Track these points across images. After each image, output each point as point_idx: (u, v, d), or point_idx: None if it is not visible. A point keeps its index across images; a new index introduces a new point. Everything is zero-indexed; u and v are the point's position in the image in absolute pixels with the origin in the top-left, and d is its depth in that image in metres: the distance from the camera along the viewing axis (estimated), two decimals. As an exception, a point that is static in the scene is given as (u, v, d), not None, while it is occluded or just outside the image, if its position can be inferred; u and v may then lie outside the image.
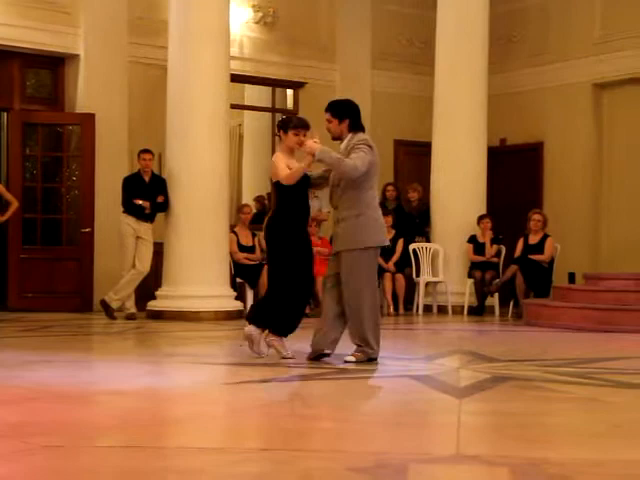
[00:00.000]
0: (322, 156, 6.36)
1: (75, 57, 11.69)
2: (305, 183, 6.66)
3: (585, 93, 13.24)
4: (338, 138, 6.56)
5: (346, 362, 6.37)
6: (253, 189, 14.12)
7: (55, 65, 11.89)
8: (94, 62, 11.64)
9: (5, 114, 12.06)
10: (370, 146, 6.41)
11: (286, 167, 6.63)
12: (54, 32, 11.43)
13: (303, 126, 6.75)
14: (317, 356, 6.53)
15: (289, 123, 6.81)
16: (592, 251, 13.18)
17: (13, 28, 11.14)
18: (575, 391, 5.47)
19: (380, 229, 6.53)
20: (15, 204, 10.56)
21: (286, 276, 6.54)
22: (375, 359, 6.44)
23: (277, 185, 6.65)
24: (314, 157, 6.38)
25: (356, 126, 6.52)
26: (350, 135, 6.49)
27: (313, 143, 6.45)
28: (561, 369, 6.42)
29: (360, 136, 6.47)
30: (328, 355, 6.51)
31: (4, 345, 7.91)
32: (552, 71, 13.48)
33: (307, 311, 11.16)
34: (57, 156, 11.89)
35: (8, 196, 10.58)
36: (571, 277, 12.59)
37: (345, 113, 6.52)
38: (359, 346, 6.45)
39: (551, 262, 11.60)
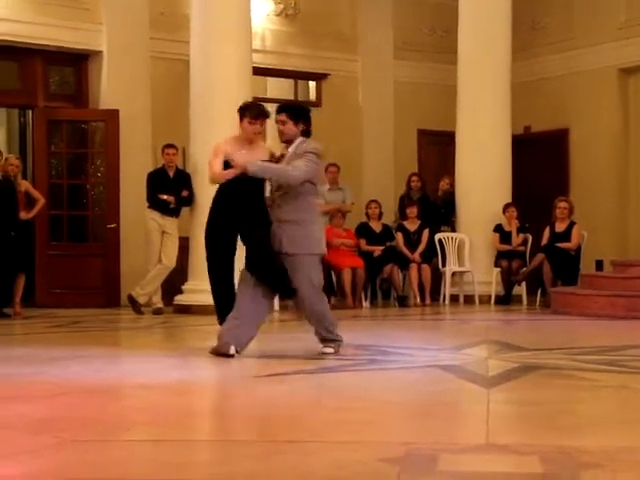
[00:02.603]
0: (258, 171, 6.31)
1: (98, 54, 11.74)
2: (240, 182, 6.55)
3: (610, 78, 13.13)
4: (289, 141, 6.40)
5: (324, 354, 6.30)
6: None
7: (78, 62, 11.95)
8: (117, 58, 11.69)
9: (30, 112, 12.15)
10: (319, 155, 6.33)
11: (220, 163, 6.63)
12: (77, 29, 11.49)
13: (258, 116, 6.68)
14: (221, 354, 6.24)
15: (245, 111, 6.75)
16: (620, 238, 13.08)
17: (36, 26, 11.20)
18: (605, 379, 5.43)
19: (321, 238, 6.45)
20: (42, 201, 10.64)
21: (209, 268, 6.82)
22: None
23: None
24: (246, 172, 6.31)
25: (308, 132, 6.42)
26: (300, 139, 6.35)
27: (242, 162, 6.36)
28: (590, 357, 6.38)
29: (312, 144, 6.35)
30: (232, 356, 6.19)
31: (33, 341, 7.98)
32: (576, 57, 13.37)
33: (333, 303, 11.20)
34: (82, 153, 11.95)
35: (35, 193, 10.66)
36: (599, 265, 12.51)
37: (301, 117, 6.40)
38: (329, 340, 6.41)
39: (578, 250, 11.53)
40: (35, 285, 11.32)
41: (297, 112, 6.44)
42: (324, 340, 6.43)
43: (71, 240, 11.73)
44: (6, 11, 11.09)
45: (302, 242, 6.28)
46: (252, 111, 6.78)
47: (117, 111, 11.52)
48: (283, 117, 6.37)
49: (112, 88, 11.71)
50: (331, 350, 6.36)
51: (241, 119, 6.77)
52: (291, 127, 6.35)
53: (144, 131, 11.75)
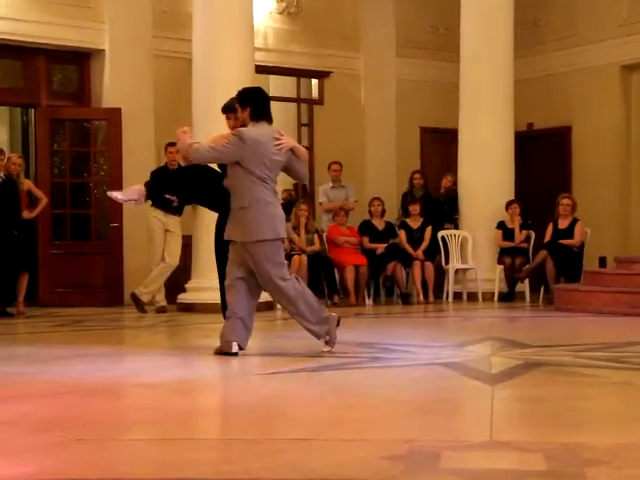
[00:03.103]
0: (176, 141, 6.45)
1: (100, 52, 11.74)
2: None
3: (613, 75, 13.11)
4: (243, 126, 6.30)
5: (324, 352, 6.21)
6: (280, 180, 14.04)
7: (81, 60, 11.95)
8: (119, 57, 11.69)
9: (32, 110, 12.15)
10: (240, 137, 6.11)
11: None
12: (79, 28, 11.49)
13: (223, 110, 6.74)
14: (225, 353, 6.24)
15: (222, 107, 6.82)
16: (623, 235, 13.07)
17: (38, 25, 11.20)
18: (609, 375, 5.42)
19: (272, 221, 6.15)
20: (44, 200, 10.65)
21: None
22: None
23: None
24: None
25: (258, 114, 6.25)
26: (251, 124, 6.24)
27: (178, 132, 6.33)
28: (594, 354, 6.37)
29: (249, 126, 6.20)
30: (236, 354, 6.19)
31: (36, 340, 7.98)
32: (578, 54, 13.35)
33: (336, 301, 11.21)
34: (84, 151, 11.95)
35: (37, 192, 10.67)
36: (602, 261, 12.50)
37: (248, 100, 6.29)
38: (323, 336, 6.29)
39: (581, 246, 11.51)
40: (38, 284, 11.33)
41: (243, 96, 6.37)
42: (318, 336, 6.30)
43: (74, 239, 11.73)
44: (9, 10, 11.10)
45: (243, 231, 6.16)
46: (223, 107, 6.82)
47: (120, 109, 11.52)
48: (230, 116, 6.51)
49: (115, 86, 11.71)
50: (327, 348, 6.26)
51: None
52: (239, 112, 6.33)
53: (147, 129, 11.74)
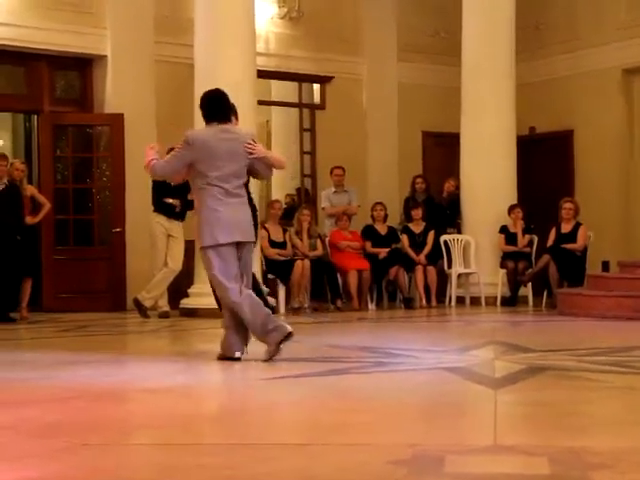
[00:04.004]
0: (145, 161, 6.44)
1: (102, 58, 11.76)
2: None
3: (614, 79, 13.12)
4: None
5: (267, 360, 6.12)
6: (282, 185, 14.14)
7: (83, 66, 11.97)
8: (121, 62, 11.71)
9: (35, 116, 12.16)
10: (187, 142, 6.16)
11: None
12: (81, 34, 11.51)
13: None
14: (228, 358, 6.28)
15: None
16: (626, 239, 13.06)
17: (40, 31, 11.22)
18: (612, 380, 5.42)
19: (211, 228, 6.09)
20: (47, 206, 10.66)
21: None
22: (288, 335, 6.10)
23: None
24: None
25: (207, 116, 6.31)
26: (205, 127, 6.36)
27: (146, 149, 6.44)
28: (597, 358, 6.37)
29: (195, 129, 6.30)
30: (239, 359, 6.23)
31: (40, 345, 7.98)
32: (580, 58, 13.36)
33: (339, 305, 11.21)
34: (87, 157, 11.97)
35: (40, 198, 10.68)
36: (605, 265, 12.48)
37: (200, 106, 6.39)
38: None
39: (584, 251, 11.50)
40: (42, 289, 11.34)
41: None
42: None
43: (77, 244, 11.74)
44: (11, 16, 11.12)
45: (198, 235, 6.25)
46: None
47: (122, 115, 11.54)
48: None
49: (117, 92, 11.73)
50: (267, 356, 6.13)
51: None
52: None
53: (149, 135, 11.71)
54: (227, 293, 6.16)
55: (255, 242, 6.59)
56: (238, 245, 6.20)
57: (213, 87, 10.18)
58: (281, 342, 6.09)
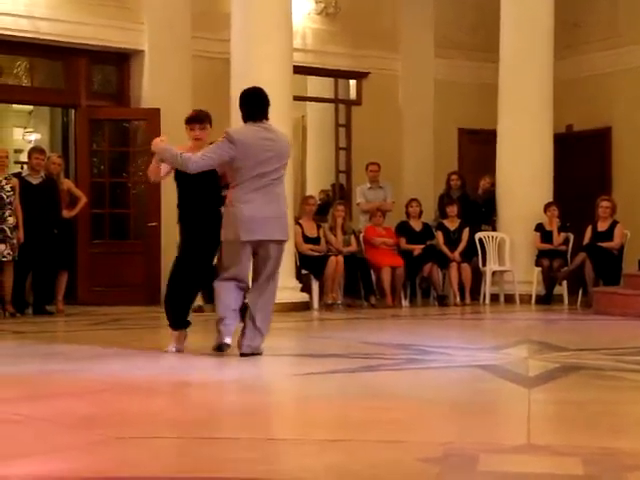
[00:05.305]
0: (162, 154, 6.43)
1: (140, 53, 11.82)
2: (190, 177, 6.54)
3: (654, 76, 12.97)
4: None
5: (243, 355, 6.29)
6: (317, 180, 14.14)
7: (120, 61, 12.04)
8: (158, 57, 11.76)
9: (73, 111, 12.26)
10: (231, 140, 6.24)
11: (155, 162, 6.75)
12: (119, 28, 11.58)
13: (192, 120, 6.72)
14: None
15: (187, 117, 6.82)
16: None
17: (79, 25, 11.30)
18: (648, 380, 5.37)
19: (237, 224, 6.24)
20: (84, 200, 10.74)
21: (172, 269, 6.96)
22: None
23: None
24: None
25: (247, 115, 6.45)
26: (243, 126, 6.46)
27: (156, 141, 6.44)
28: (632, 358, 6.31)
29: (235, 127, 6.34)
30: (229, 345, 6.40)
31: (75, 338, 8.05)
32: (618, 55, 13.22)
33: (372, 302, 11.19)
34: (123, 151, 12.04)
35: (77, 192, 10.76)
36: (641, 264, 12.35)
37: (240, 103, 6.52)
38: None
39: (621, 249, 11.40)
40: (77, 283, 11.43)
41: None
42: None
43: (112, 238, 11.82)
44: (49, 11, 11.21)
45: (224, 229, 6.40)
46: (189, 117, 6.83)
47: (158, 110, 11.58)
48: (194, 127, 6.64)
49: (154, 87, 11.79)
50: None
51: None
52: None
53: (185, 129, 11.77)
54: (228, 286, 6.46)
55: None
56: (261, 243, 6.30)
57: (249, 83, 10.17)
58: (214, 348, 6.37)
